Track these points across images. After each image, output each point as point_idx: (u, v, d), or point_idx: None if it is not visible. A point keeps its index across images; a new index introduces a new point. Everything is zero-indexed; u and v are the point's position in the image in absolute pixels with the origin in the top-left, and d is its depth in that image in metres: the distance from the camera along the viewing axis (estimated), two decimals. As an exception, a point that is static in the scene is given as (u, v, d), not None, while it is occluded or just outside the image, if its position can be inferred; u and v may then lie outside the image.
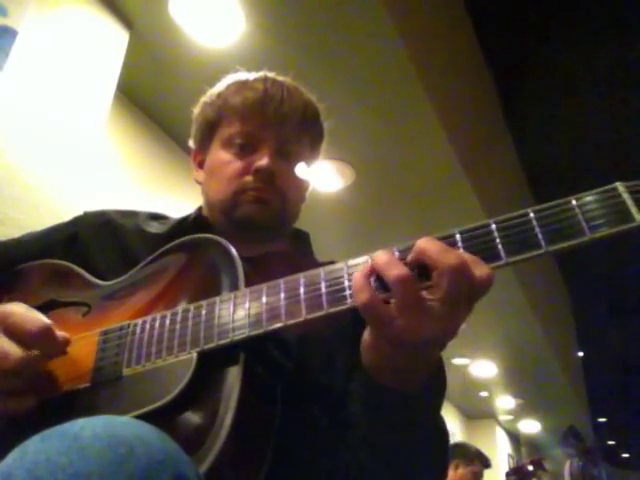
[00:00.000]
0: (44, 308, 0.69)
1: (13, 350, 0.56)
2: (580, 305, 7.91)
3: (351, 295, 0.52)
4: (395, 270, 0.48)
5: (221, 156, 0.81)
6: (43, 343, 0.59)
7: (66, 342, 0.62)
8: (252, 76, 0.84)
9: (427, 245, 0.49)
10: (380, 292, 0.49)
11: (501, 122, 4.58)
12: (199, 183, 0.87)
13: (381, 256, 0.50)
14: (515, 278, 4.15)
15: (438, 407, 0.62)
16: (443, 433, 0.63)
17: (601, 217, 0.46)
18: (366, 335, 0.53)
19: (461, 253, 0.48)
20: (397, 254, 0.52)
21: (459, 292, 0.47)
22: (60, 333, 0.61)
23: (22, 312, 0.60)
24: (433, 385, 0.57)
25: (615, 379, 10.23)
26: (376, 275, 0.50)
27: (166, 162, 2.84)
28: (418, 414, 0.57)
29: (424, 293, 0.48)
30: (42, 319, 0.59)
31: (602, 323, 8.24)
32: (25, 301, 0.64)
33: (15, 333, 0.58)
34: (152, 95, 2.64)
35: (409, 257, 0.50)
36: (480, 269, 0.48)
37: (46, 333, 0.59)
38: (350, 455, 0.61)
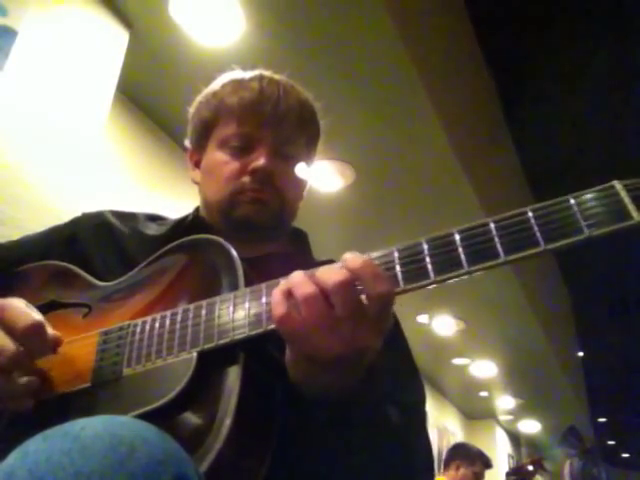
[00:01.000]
0: (44, 309, 0.69)
1: (7, 344, 0.57)
2: (580, 305, 7.92)
3: None
4: (302, 289, 0.50)
5: (218, 156, 0.81)
6: (32, 340, 0.58)
7: (57, 341, 0.62)
8: (248, 75, 0.83)
9: (322, 268, 0.51)
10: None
11: (501, 122, 4.58)
12: (196, 183, 0.87)
13: (295, 275, 0.52)
14: (515, 278, 4.16)
15: (372, 413, 0.59)
16: (393, 436, 0.62)
17: (599, 215, 0.47)
18: (287, 351, 0.55)
19: (346, 271, 0.49)
20: (396, 254, 0.52)
21: (351, 308, 0.49)
22: (52, 332, 0.61)
23: (18, 307, 0.60)
24: (360, 392, 0.55)
25: (615, 379, 10.23)
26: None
27: (166, 162, 2.84)
28: (348, 418, 0.57)
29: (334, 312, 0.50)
30: (34, 316, 0.59)
31: (602, 323, 8.24)
32: None
33: (7, 327, 0.58)
34: (152, 95, 2.64)
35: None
36: (380, 285, 0.49)
37: (36, 330, 0.58)
38: (351, 457, 0.61)
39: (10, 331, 0.58)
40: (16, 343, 0.57)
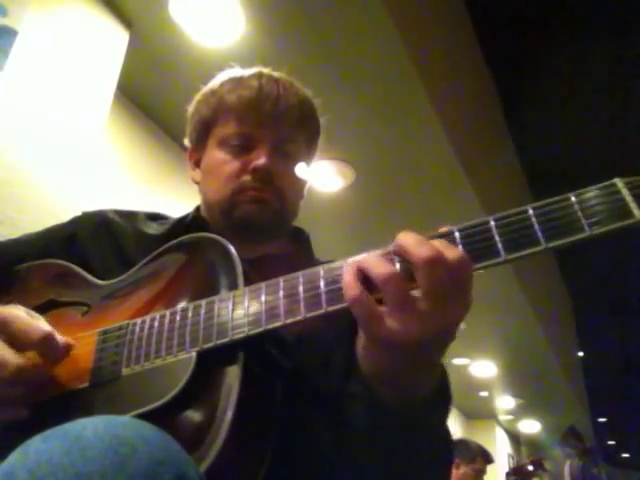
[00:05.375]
0: (43, 308, 0.69)
1: (11, 359, 0.56)
2: (580, 305, 7.91)
3: None
4: (381, 268, 0.47)
5: (218, 156, 0.81)
6: (45, 351, 0.59)
7: (68, 347, 0.62)
8: (247, 73, 0.83)
9: (403, 239, 0.48)
10: (372, 293, 0.48)
11: (501, 122, 4.58)
12: (196, 183, 0.87)
13: (370, 256, 0.50)
14: (515, 278, 4.15)
15: (442, 418, 0.61)
16: (445, 444, 0.62)
17: (600, 213, 0.46)
18: (359, 338, 0.53)
19: (435, 244, 0.47)
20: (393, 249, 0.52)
21: (439, 285, 0.46)
22: (62, 339, 0.61)
23: (24, 318, 0.59)
24: (435, 397, 0.55)
25: (615, 379, 10.22)
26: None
27: (166, 162, 2.84)
28: (419, 427, 0.56)
29: (414, 293, 0.47)
30: (43, 327, 0.59)
31: (602, 323, 8.24)
32: (24, 301, 0.64)
33: (17, 341, 0.58)
34: (152, 95, 2.64)
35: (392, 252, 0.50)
36: (452, 253, 0.47)
37: (48, 341, 0.58)
38: (350, 458, 0.61)
39: (20, 344, 0.57)
40: (24, 356, 0.57)
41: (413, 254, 0.46)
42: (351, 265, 0.50)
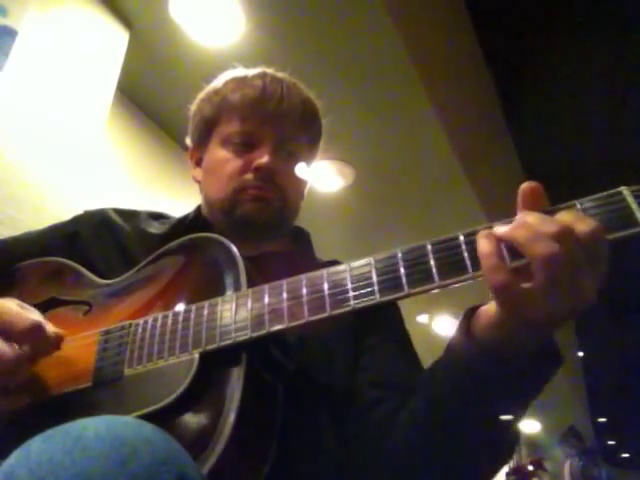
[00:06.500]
0: (44, 306, 0.69)
1: (5, 350, 0.56)
2: (580, 305, 7.89)
3: (354, 297, 0.51)
4: (543, 244, 0.43)
5: (220, 154, 0.81)
6: (34, 341, 0.58)
7: (59, 338, 0.61)
8: (251, 72, 0.83)
9: (524, 218, 0.46)
10: (510, 261, 0.46)
11: (501, 122, 4.58)
12: (197, 182, 0.87)
13: (521, 225, 0.46)
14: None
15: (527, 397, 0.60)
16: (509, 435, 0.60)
17: (606, 222, 0.46)
18: (490, 313, 0.50)
19: (562, 217, 0.45)
20: (399, 255, 0.52)
21: (598, 257, 0.44)
22: (52, 329, 0.60)
23: (12, 309, 0.59)
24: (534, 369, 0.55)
25: (615, 379, 10.22)
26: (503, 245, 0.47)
27: (166, 162, 2.84)
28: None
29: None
30: (32, 317, 0.59)
31: (602, 323, 8.24)
32: (25, 299, 0.64)
33: (5, 331, 0.57)
34: (152, 95, 2.64)
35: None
36: (584, 225, 0.44)
37: (37, 330, 0.58)
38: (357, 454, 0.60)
39: (7, 335, 0.57)
40: (13, 347, 0.57)
41: (542, 231, 0.44)
42: (488, 234, 0.47)
